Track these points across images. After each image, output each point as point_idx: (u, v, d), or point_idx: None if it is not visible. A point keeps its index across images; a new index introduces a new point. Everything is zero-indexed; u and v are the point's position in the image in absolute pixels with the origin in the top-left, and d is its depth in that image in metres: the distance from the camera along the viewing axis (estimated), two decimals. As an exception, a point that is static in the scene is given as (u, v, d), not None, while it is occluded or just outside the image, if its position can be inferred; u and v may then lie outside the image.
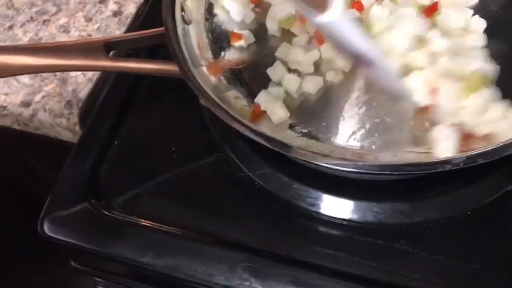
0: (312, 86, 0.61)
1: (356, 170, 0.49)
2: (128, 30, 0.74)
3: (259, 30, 0.67)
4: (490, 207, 0.56)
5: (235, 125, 0.52)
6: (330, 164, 0.49)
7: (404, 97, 0.56)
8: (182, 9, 0.63)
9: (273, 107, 0.59)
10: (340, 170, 0.51)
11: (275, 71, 0.61)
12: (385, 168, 0.48)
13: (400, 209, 0.57)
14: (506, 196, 0.56)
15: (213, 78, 0.61)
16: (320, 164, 0.51)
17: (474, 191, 0.57)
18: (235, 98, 0.62)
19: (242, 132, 0.52)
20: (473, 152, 0.47)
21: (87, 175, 0.63)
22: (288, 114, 0.60)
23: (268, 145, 0.51)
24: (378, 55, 0.54)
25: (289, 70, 0.62)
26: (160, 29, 0.60)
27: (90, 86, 0.70)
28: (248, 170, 0.61)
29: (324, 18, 0.45)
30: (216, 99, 0.55)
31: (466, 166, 0.46)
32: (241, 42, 0.66)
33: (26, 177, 0.90)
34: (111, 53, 0.60)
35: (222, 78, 0.63)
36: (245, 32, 0.66)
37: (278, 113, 0.59)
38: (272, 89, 0.61)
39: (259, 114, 0.58)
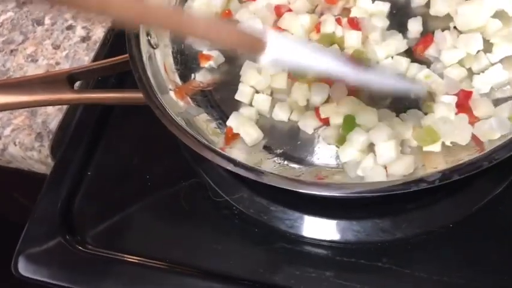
0: (282, 113, 0.59)
1: (329, 194, 0.47)
2: (96, 56, 0.72)
3: (230, 50, 0.66)
4: (472, 218, 0.55)
5: (205, 153, 0.51)
6: (303, 190, 0.48)
7: (407, 90, 0.55)
8: (148, 34, 0.62)
9: (245, 128, 0.57)
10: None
11: (242, 94, 0.60)
12: (359, 191, 0.47)
13: (380, 226, 0.55)
14: (489, 205, 0.55)
15: (181, 103, 0.60)
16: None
17: (456, 201, 0.56)
18: (206, 122, 0.60)
19: (211, 160, 0.51)
20: (447, 167, 0.46)
21: (60, 210, 0.61)
22: (262, 134, 0.58)
23: (235, 170, 0.50)
24: (350, 66, 0.48)
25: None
26: (125, 56, 0.58)
27: (60, 116, 0.68)
28: (225, 194, 0.59)
29: (264, 59, 0.43)
30: (185, 126, 0.53)
31: (441, 183, 0.45)
32: (211, 63, 0.64)
33: (10, 209, 0.88)
34: (77, 84, 0.59)
35: (192, 101, 0.62)
36: (214, 53, 0.65)
37: (251, 134, 0.57)
38: (244, 110, 0.59)
39: (232, 137, 0.57)
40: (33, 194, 0.70)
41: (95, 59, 0.73)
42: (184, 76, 0.65)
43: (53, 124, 0.68)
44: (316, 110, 0.57)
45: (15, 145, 0.68)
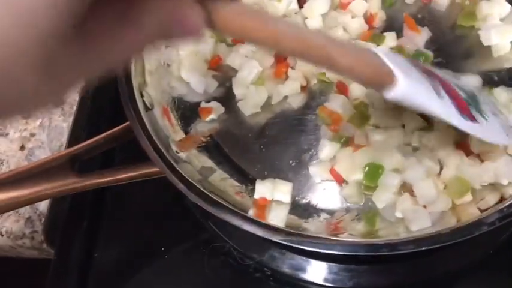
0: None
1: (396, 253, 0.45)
2: (75, 121, 0.66)
3: (224, 95, 0.62)
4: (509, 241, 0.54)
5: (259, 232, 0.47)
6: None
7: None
8: (141, 95, 0.57)
9: (277, 188, 0.54)
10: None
11: None
12: (409, 245, 0.44)
13: (421, 265, 0.54)
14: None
15: (185, 155, 0.55)
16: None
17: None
18: (222, 180, 0.56)
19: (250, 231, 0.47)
20: (504, 205, 0.45)
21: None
22: (291, 183, 0.54)
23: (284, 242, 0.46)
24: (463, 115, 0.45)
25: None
26: (125, 125, 0.53)
27: (49, 196, 0.61)
28: (253, 255, 0.55)
29: (394, 94, 0.40)
30: (211, 195, 0.49)
31: (502, 223, 0.44)
32: (212, 116, 0.60)
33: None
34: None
35: (203, 160, 0.57)
36: (213, 104, 0.60)
37: (285, 190, 0.54)
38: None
39: (265, 207, 0.52)
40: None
41: (75, 124, 0.66)
42: (185, 131, 0.60)
43: (43, 206, 0.61)
44: (332, 169, 0.54)
45: (2, 235, 0.60)
